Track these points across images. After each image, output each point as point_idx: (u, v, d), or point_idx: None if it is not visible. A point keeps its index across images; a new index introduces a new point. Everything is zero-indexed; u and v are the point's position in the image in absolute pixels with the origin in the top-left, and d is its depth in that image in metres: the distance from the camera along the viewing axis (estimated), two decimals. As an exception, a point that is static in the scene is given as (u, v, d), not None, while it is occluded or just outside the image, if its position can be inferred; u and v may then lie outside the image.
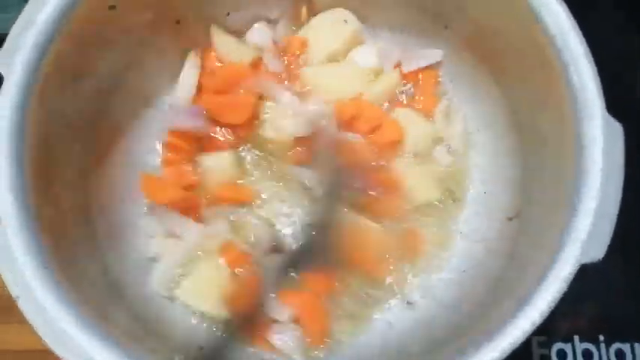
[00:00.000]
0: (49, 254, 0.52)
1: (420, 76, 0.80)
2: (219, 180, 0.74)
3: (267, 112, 0.76)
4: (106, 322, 0.53)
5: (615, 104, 0.58)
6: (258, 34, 0.79)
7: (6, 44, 0.56)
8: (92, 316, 0.52)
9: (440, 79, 0.81)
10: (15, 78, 0.54)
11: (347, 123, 0.75)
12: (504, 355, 0.49)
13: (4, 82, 0.54)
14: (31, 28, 0.55)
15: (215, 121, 0.75)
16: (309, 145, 0.74)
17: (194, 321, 0.69)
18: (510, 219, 0.69)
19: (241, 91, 0.75)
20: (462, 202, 0.76)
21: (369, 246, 0.72)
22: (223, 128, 0.75)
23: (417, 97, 0.80)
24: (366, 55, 0.79)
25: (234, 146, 0.75)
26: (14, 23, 0.57)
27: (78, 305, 0.51)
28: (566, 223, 0.54)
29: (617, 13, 0.93)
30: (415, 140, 0.76)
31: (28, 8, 0.57)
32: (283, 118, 0.74)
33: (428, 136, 0.77)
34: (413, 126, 0.77)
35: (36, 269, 0.50)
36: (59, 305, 0.49)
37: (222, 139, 0.75)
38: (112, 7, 0.62)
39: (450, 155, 0.77)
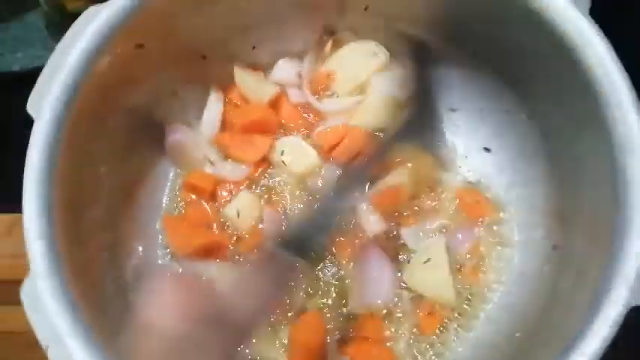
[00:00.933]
0: (79, 301, 0.51)
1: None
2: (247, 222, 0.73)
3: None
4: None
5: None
6: (283, 69, 0.79)
7: (36, 88, 0.56)
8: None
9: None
10: (44, 123, 0.54)
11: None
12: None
13: (34, 127, 0.54)
14: (60, 71, 0.56)
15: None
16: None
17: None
18: (553, 248, 0.67)
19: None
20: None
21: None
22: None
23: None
24: (389, 83, 0.78)
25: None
26: (41, 57, 0.57)
27: (107, 352, 0.50)
28: (613, 261, 0.51)
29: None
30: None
31: (56, 51, 0.57)
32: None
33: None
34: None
35: (66, 318, 0.49)
36: (89, 355, 0.48)
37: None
38: (140, 46, 0.62)
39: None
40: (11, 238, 0.86)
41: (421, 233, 0.74)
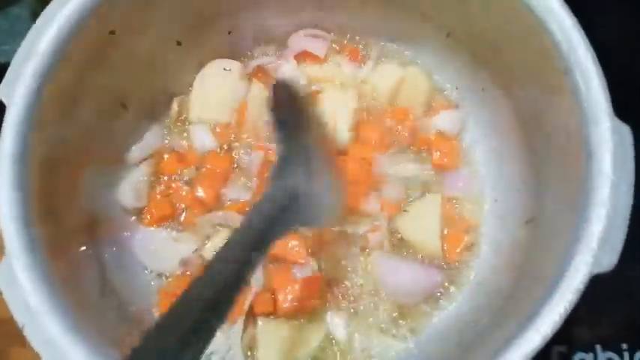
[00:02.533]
0: (54, 279, 0.52)
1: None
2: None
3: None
4: (113, 342, 0.54)
5: (623, 107, 0.57)
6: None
7: (7, 74, 0.57)
8: (100, 341, 0.52)
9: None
10: (16, 107, 0.55)
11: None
12: (515, 371, 0.48)
13: (6, 112, 0.55)
14: (32, 57, 0.56)
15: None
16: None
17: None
18: (526, 222, 0.67)
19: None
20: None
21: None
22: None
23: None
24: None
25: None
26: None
27: (83, 330, 0.51)
28: (577, 230, 0.52)
29: (625, 14, 0.90)
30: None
31: (28, 38, 0.58)
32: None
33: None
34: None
35: (41, 296, 0.50)
36: (64, 332, 0.50)
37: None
38: (112, 32, 0.63)
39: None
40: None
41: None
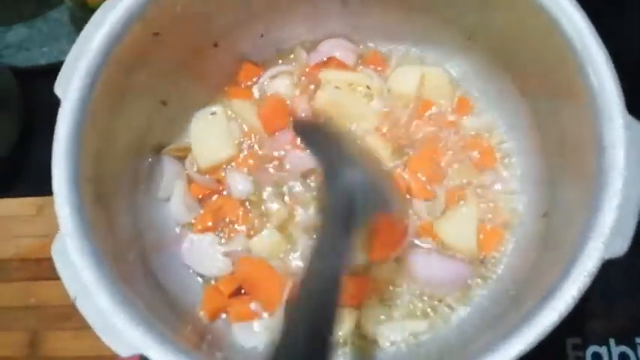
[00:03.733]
0: (103, 258, 0.56)
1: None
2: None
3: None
4: (157, 318, 0.57)
5: (635, 103, 0.59)
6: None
7: (62, 71, 0.61)
8: (143, 312, 0.56)
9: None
10: (70, 102, 0.59)
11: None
12: (530, 348, 0.51)
13: (61, 105, 0.60)
14: (84, 56, 0.61)
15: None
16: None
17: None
18: (542, 216, 0.70)
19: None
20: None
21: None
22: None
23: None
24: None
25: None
26: (66, 51, 0.62)
27: (130, 304, 0.55)
28: (590, 220, 0.55)
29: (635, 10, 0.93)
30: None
31: (80, 38, 0.62)
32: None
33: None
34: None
35: (92, 271, 0.54)
36: (113, 304, 0.54)
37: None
38: (156, 34, 0.68)
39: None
40: (41, 218, 0.92)
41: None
